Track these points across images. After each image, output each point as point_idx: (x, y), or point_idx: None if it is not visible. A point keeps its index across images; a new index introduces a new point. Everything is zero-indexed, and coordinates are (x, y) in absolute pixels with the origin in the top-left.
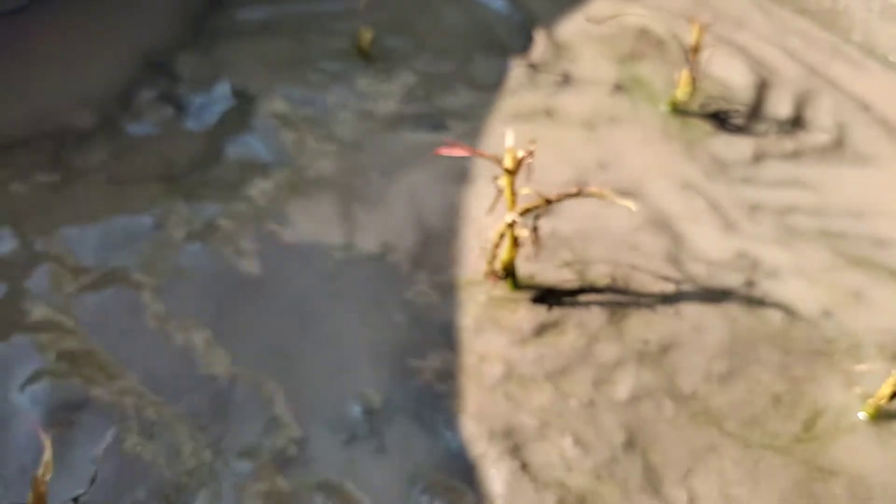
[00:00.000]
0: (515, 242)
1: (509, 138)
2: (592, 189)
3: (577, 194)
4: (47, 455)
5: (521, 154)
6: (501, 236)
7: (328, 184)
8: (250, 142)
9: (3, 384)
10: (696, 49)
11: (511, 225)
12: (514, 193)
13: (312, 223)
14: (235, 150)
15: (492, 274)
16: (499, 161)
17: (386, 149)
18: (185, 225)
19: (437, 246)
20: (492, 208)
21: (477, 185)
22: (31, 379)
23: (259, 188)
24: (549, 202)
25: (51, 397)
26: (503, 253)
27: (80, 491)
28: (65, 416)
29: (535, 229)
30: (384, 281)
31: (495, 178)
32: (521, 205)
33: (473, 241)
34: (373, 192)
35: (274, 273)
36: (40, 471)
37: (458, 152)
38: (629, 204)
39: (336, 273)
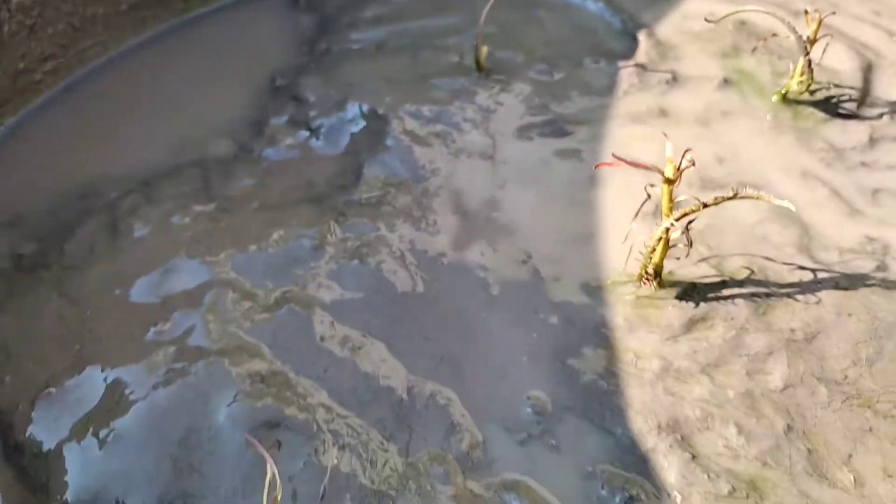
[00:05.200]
0: (667, 246)
1: (669, 148)
2: (749, 192)
3: (734, 197)
4: (273, 471)
5: (682, 164)
6: (658, 241)
7: (467, 195)
8: (386, 160)
9: (204, 410)
10: (813, 40)
11: (668, 230)
12: (671, 200)
13: (457, 234)
14: (373, 169)
15: (645, 277)
16: (660, 171)
17: (515, 158)
18: (341, 244)
19: (578, 249)
20: (638, 213)
21: (609, 189)
22: (230, 403)
23: (403, 204)
24: (706, 206)
25: (250, 418)
26: (655, 256)
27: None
28: (265, 435)
29: (687, 233)
30: (533, 285)
31: (651, 185)
32: (678, 210)
33: (614, 244)
34: (511, 201)
35: (429, 285)
36: (268, 489)
37: (618, 165)
38: (788, 204)
39: (486, 280)
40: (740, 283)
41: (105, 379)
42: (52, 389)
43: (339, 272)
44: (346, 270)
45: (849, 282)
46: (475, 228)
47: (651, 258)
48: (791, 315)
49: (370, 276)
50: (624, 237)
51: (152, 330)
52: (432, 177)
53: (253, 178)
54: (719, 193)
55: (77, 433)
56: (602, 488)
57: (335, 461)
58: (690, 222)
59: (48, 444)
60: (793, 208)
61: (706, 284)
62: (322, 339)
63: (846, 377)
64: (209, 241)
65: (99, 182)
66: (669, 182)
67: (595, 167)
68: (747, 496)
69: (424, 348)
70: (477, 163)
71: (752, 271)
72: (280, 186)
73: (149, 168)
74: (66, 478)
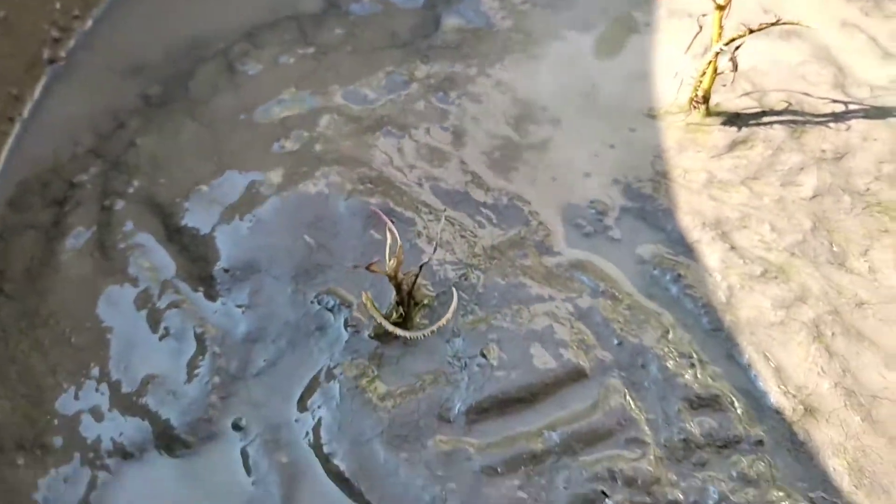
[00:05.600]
0: (716, 72)
1: None
2: (789, 18)
3: (776, 23)
4: (395, 232)
5: None
6: (709, 64)
7: (534, 37)
8: (461, 10)
9: (330, 205)
10: None
11: (717, 54)
12: (721, 27)
13: (526, 70)
14: (450, 18)
15: (695, 101)
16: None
17: (577, 4)
18: (426, 80)
19: (636, 83)
20: (691, 45)
21: (663, 29)
22: (346, 198)
23: (478, 47)
24: (751, 31)
25: (364, 209)
26: (705, 82)
27: (425, 259)
28: (379, 221)
29: (734, 58)
30: (596, 113)
31: (703, 15)
32: (726, 36)
33: (668, 79)
34: (575, 42)
35: (504, 111)
36: (393, 241)
37: None
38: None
39: (553, 109)
40: (779, 113)
41: (243, 180)
42: (203, 187)
43: (426, 102)
44: (432, 100)
45: (877, 113)
46: (543, 65)
47: (701, 82)
48: (823, 138)
49: (453, 104)
50: (676, 71)
51: (276, 144)
52: (501, 23)
53: (343, 28)
54: (764, 40)
55: (226, 218)
56: (654, 269)
57: (436, 243)
58: (738, 48)
59: (203, 228)
60: (813, 25)
61: (748, 114)
62: (417, 152)
63: (868, 189)
64: (314, 76)
65: (207, 35)
66: (720, 8)
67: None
68: (776, 277)
69: (503, 160)
70: (541, 9)
71: (790, 104)
72: (368, 36)
73: (249, 23)
74: (221, 251)
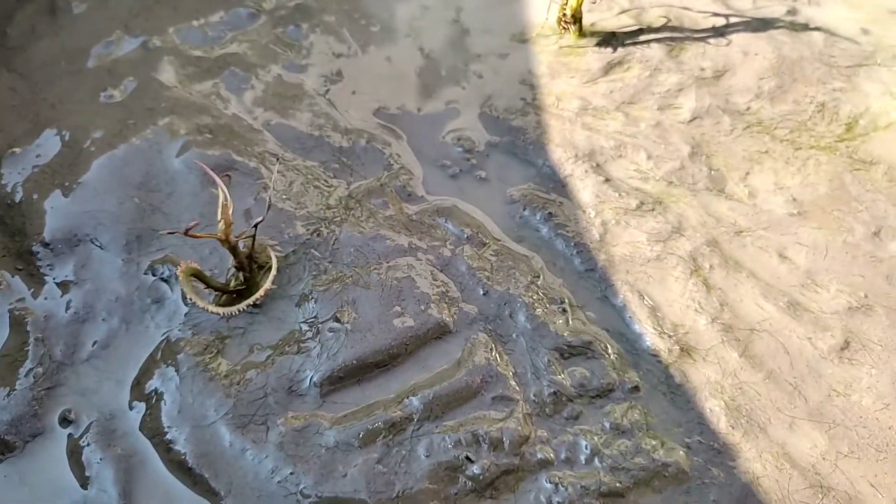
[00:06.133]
0: None
1: None
2: None
3: None
4: (224, 190)
5: None
6: None
7: None
8: None
9: (160, 159)
10: None
11: None
12: None
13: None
14: None
15: (564, 21)
16: None
17: None
18: (276, 11)
19: (505, 5)
20: None
21: None
22: (181, 151)
23: None
24: None
25: (203, 163)
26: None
27: (259, 218)
28: (218, 175)
29: None
30: (463, 41)
31: None
32: None
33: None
34: None
35: (363, 45)
36: (223, 201)
37: None
38: None
39: (419, 38)
40: (657, 31)
41: (63, 138)
42: (16, 150)
43: (275, 36)
44: (282, 34)
45: (759, 24)
46: None
47: (568, 0)
48: (702, 56)
49: (306, 38)
50: None
51: (102, 95)
52: None
53: None
54: None
55: (44, 184)
56: (524, 209)
57: (284, 196)
58: None
59: (18, 196)
60: None
61: (625, 33)
62: (265, 95)
63: (749, 108)
64: (149, 14)
65: None
66: None
67: None
68: (653, 209)
69: (361, 101)
70: None
71: (669, 20)
72: None
73: None
74: (40, 221)
